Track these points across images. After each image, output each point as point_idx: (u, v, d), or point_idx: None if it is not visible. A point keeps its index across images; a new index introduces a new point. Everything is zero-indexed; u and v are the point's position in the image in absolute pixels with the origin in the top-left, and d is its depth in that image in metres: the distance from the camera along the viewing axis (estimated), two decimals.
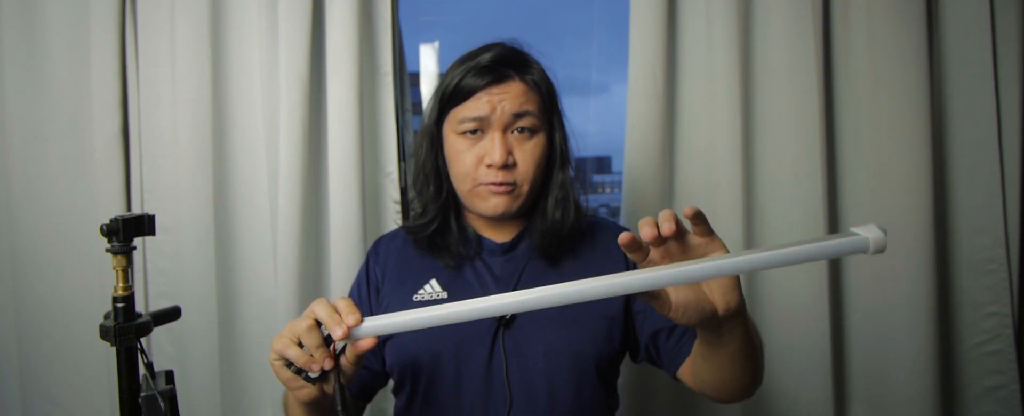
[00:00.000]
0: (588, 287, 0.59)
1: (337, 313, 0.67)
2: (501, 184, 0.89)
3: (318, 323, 0.68)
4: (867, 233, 0.56)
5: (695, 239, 0.64)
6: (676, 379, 0.92)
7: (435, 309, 0.65)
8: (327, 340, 0.68)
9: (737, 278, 0.66)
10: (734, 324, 0.70)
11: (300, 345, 0.69)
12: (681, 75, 1.48)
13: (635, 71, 1.44)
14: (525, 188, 0.91)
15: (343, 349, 0.69)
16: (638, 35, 1.43)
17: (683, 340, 0.90)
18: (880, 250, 0.56)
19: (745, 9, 1.46)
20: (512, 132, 0.90)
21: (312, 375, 0.69)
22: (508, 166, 0.89)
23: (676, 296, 0.65)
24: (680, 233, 0.62)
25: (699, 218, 0.62)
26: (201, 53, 1.41)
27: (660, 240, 0.61)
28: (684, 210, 0.62)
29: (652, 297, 0.63)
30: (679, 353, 0.90)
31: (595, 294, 0.60)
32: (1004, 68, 1.48)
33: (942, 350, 1.50)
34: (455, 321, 0.64)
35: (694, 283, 0.65)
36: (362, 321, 0.66)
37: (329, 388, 0.72)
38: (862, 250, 0.57)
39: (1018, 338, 1.52)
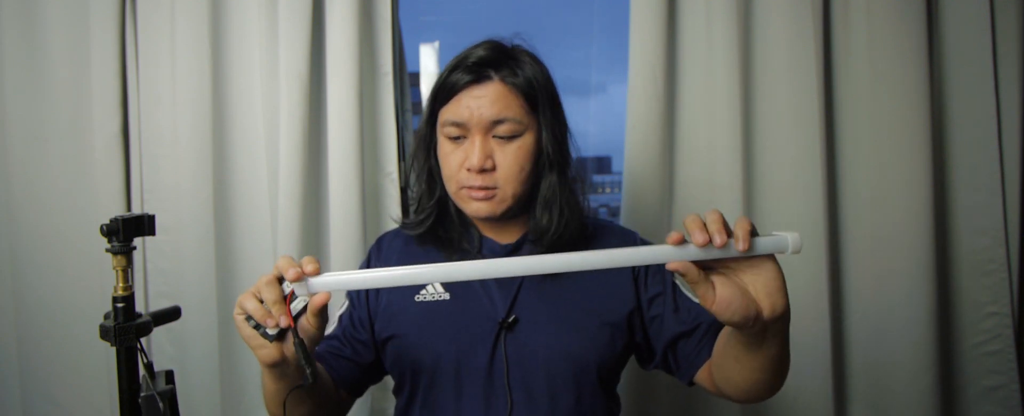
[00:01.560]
0: (550, 261, 0.66)
1: (296, 264, 0.68)
2: (481, 188, 0.88)
3: (282, 281, 0.69)
4: (788, 235, 0.65)
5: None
6: (690, 384, 0.92)
7: (391, 271, 0.66)
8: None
9: (783, 281, 0.66)
10: (779, 328, 0.70)
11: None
12: (681, 75, 1.48)
13: (635, 71, 1.44)
14: (508, 191, 0.88)
15: (304, 309, 0.69)
16: (638, 35, 1.43)
17: (702, 343, 0.89)
18: (797, 251, 0.65)
19: (745, 9, 1.46)
20: (493, 136, 0.88)
21: (269, 331, 0.69)
22: (486, 170, 0.87)
23: (721, 291, 0.65)
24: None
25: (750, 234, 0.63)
26: (201, 53, 1.41)
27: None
28: (739, 223, 0.64)
29: (695, 285, 0.64)
30: (698, 357, 0.90)
31: (556, 267, 0.66)
32: (1004, 68, 1.48)
33: (942, 350, 1.50)
34: (413, 283, 0.66)
35: (735, 283, 0.66)
36: (319, 272, 0.67)
37: (289, 352, 0.71)
38: (782, 250, 0.65)
39: (1018, 338, 1.52)
